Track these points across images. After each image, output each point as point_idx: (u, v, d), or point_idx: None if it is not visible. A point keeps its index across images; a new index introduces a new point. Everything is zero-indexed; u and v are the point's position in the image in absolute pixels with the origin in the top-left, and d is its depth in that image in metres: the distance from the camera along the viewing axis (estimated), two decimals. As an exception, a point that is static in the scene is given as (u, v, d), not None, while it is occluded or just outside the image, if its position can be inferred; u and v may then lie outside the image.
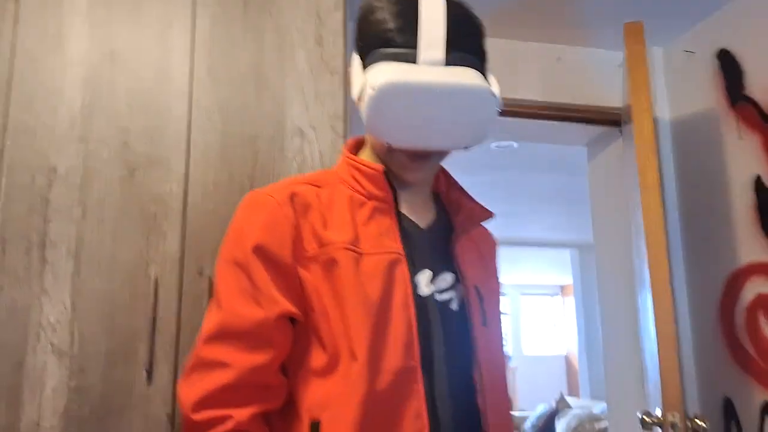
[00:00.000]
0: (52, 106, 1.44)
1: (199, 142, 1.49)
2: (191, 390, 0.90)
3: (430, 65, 0.88)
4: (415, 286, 0.94)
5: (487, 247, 1.13)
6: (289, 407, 0.94)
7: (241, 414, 0.88)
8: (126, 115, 1.47)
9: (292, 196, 0.95)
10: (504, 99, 2.42)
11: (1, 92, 1.42)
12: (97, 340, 1.36)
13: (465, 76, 0.88)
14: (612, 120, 2.56)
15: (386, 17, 0.92)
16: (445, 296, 0.98)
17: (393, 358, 0.89)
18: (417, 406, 0.88)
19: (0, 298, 1.34)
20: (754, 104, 2.13)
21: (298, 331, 0.94)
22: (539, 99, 2.49)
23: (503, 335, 1.11)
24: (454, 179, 1.12)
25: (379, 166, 0.99)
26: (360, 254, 0.92)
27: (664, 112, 2.56)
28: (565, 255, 7.70)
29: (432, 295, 0.96)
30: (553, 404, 6.24)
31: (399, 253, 0.94)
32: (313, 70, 1.59)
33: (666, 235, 1.85)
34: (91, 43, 1.49)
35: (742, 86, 2.18)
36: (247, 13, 1.58)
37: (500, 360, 1.03)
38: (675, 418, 1.59)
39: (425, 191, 1.07)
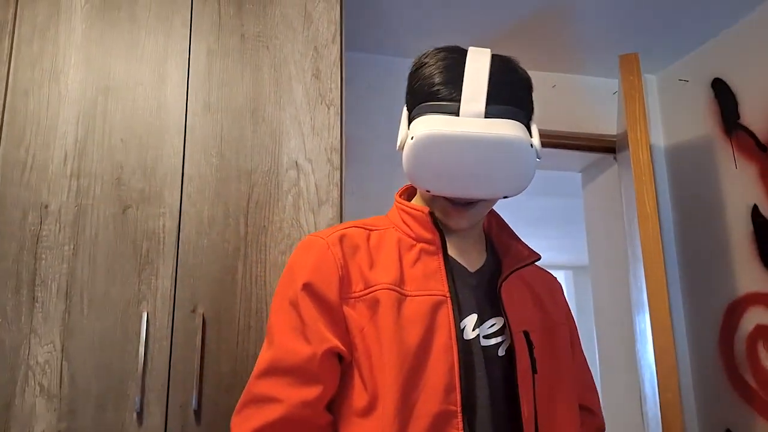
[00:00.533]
0: (45, 141, 1.41)
1: (194, 176, 1.47)
2: (243, 425, 0.92)
3: (470, 117, 0.90)
4: (460, 330, 0.94)
5: (546, 289, 1.12)
6: None
7: None
8: (120, 150, 1.45)
9: (342, 238, 0.99)
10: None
11: (-8, 127, 1.40)
12: (87, 380, 1.33)
13: (503, 127, 0.90)
14: (607, 147, 2.56)
15: (433, 72, 0.95)
16: (492, 341, 0.96)
17: (430, 402, 0.89)
18: None
19: (-12, 339, 1.31)
20: (750, 134, 2.13)
21: (344, 369, 0.96)
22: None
23: (581, 381, 1.10)
24: (504, 222, 1.13)
25: (425, 208, 1.02)
26: (404, 296, 0.94)
27: (659, 139, 2.56)
28: (560, 277, 7.68)
29: (477, 340, 0.95)
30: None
31: (444, 295, 0.95)
32: (310, 102, 1.57)
33: (665, 265, 1.84)
34: (86, 77, 1.47)
35: (738, 115, 2.18)
36: (244, 47, 1.56)
37: (561, 407, 1.00)
38: (677, 455, 1.56)
39: (475, 234, 1.07)
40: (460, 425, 0.88)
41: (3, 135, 1.40)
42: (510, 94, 0.93)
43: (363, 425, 0.91)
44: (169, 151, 1.47)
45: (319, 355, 0.92)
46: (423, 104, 0.95)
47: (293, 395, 0.91)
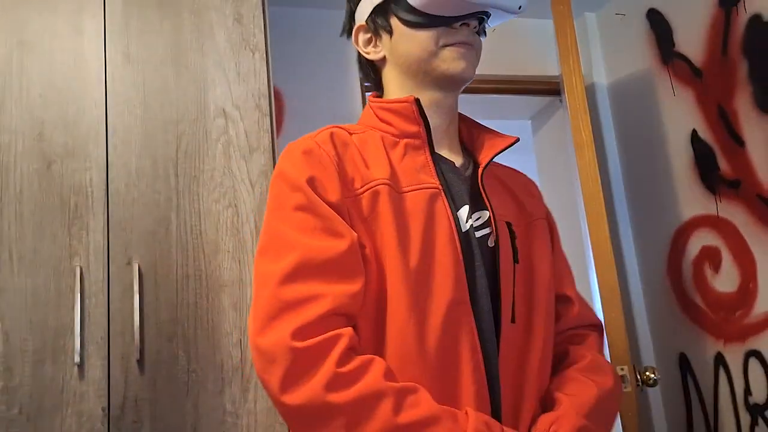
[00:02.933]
0: (-42, 101, 1.38)
1: (119, 128, 1.45)
2: (280, 328, 0.80)
3: None
4: (456, 221, 0.93)
5: (522, 187, 1.12)
6: None
7: (350, 331, 0.82)
8: (40, 106, 1.42)
9: (332, 135, 0.94)
10: (442, 74, 2.40)
11: None
12: (22, 338, 1.31)
13: None
14: (553, 90, 2.57)
15: None
16: (482, 232, 0.96)
17: (444, 291, 0.87)
18: (471, 339, 0.87)
19: None
20: (686, 60, 2.15)
21: None
22: (478, 72, 2.48)
23: (559, 274, 1.08)
24: (473, 120, 1.12)
25: (409, 97, 0.98)
26: (399, 193, 0.92)
27: (601, 77, 2.57)
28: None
29: (472, 231, 0.95)
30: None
31: (437, 188, 0.94)
32: (234, 48, 1.55)
33: (602, 189, 1.85)
34: (-4, 34, 1.43)
35: (673, 43, 2.20)
36: (159, -6, 1.54)
37: (540, 298, 0.99)
38: (624, 371, 1.59)
39: (452, 131, 1.06)
40: (471, 314, 0.88)
41: None
42: None
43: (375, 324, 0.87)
44: (90, 104, 1.44)
45: (357, 243, 0.86)
46: None
47: (337, 289, 0.82)
